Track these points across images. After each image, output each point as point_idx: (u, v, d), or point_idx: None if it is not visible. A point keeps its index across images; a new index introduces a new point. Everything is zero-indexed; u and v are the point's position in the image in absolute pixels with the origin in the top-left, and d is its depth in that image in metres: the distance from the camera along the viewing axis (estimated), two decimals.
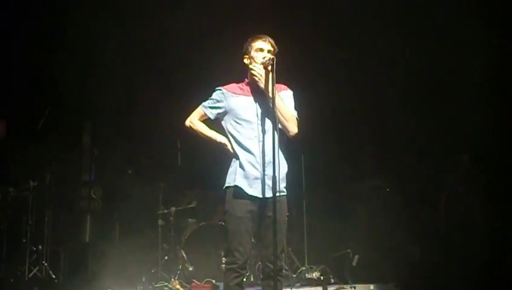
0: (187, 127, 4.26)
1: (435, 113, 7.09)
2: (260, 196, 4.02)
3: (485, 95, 6.58)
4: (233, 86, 4.22)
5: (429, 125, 7.13)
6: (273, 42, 4.16)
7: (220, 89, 4.21)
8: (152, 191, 6.72)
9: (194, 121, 4.24)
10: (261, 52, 4.11)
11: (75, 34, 6.93)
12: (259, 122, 4.11)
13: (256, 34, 4.19)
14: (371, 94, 7.27)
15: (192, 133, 4.26)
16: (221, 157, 4.20)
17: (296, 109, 4.34)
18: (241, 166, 4.08)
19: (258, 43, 4.14)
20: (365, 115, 7.31)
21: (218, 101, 4.19)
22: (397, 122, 7.22)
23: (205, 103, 4.24)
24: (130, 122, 7.22)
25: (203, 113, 4.23)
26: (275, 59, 3.94)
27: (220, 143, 4.17)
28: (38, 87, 6.90)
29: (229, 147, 4.15)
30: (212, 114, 4.21)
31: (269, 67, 3.98)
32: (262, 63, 4.06)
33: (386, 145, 7.12)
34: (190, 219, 6.64)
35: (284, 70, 3.99)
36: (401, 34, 7.00)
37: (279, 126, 4.14)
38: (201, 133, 4.22)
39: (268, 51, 4.11)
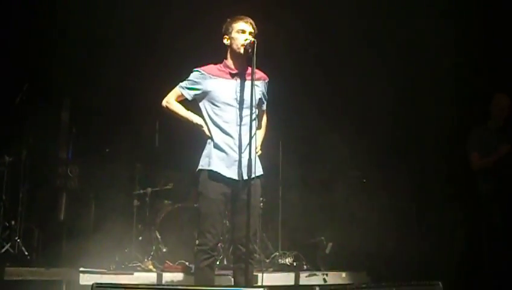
0: (163, 107, 4.24)
1: (413, 108, 7.14)
2: (236, 178, 4.03)
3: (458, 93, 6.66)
4: (211, 67, 4.20)
5: (407, 119, 7.17)
6: (254, 24, 4.14)
7: (198, 70, 4.19)
8: (129, 171, 6.70)
9: (170, 101, 4.22)
10: (243, 33, 4.08)
11: (55, 10, 6.85)
12: (238, 105, 4.10)
13: (237, 15, 4.17)
14: (351, 84, 7.29)
15: (169, 113, 4.25)
16: (199, 139, 4.21)
17: (269, 95, 4.36)
18: (218, 148, 4.08)
19: (240, 24, 4.11)
20: (345, 104, 7.33)
21: (195, 82, 4.17)
22: (376, 113, 7.26)
23: (182, 84, 4.21)
24: (110, 101, 7.17)
25: (180, 93, 4.21)
26: (256, 42, 3.94)
27: (196, 124, 4.16)
28: (17, 63, 6.81)
29: (205, 128, 4.14)
30: (189, 95, 4.18)
31: (250, 50, 3.97)
32: (243, 45, 4.05)
33: (365, 136, 7.15)
34: (166, 201, 6.63)
35: (264, 54, 4.00)
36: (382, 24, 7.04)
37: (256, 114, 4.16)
38: (177, 114, 4.21)
39: (250, 33, 4.09)
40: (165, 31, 6.96)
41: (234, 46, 4.09)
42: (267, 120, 4.46)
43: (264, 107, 4.37)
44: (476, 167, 6.02)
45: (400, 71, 7.09)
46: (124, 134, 6.96)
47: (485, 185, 6.00)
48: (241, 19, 4.14)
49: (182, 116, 4.21)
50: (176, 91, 4.23)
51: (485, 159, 5.93)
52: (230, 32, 4.13)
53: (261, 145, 4.36)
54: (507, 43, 6.45)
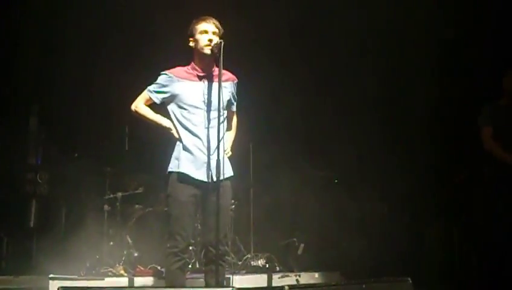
0: (132, 111, 4.25)
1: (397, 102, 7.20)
2: (206, 179, 4.03)
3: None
4: (179, 70, 4.20)
5: (382, 122, 7.23)
6: (217, 23, 4.14)
7: (165, 73, 4.18)
8: (99, 176, 6.63)
9: (139, 105, 4.22)
10: (205, 34, 4.09)
11: (24, 14, 6.78)
12: (206, 107, 4.10)
13: (200, 16, 4.18)
14: (327, 83, 7.33)
15: (138, 117, 4.25)
16: (168, 142, 4.20)
17: (238, 97, 4.37)
18: (186, 150, 4.07)
19: (202, 25, 4.12)
20: (317, 105, 7.35)
21: (163, 86, 4.17)
22: (348, 114, 7.31)
23: (150, 87, 4.21)
24: (78, 105, 7.10)
25: (148, 97, 4.20)
26: (223, 42, 3.94)
27: (165, 127, 4.16)
28: None
29: (174, 131, 4.14)
30: (157, 98, 4.18)
31: (216, 51, 3.97)
32: (207, 45, 4.05)
33: (336, 136, 7.19)
34: (137, 205, 6.58)
35: (234, 54, 4.00)
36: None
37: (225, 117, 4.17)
38: (146, 118, 4.21)
39: (213, 33, 4.09)
40: (131, 33, 6.92)
41: (199, 47, 4.10)
42: (237, 121, 4.48)
43: (234, 108, 4.39)
44: (489, 147, 5.71)
45: (383, 66, 7.12)
46: (93, 138, 6.90)
47: (489, 169, 5.77)
48: (203, 20, 4.14)
49: (150, 120, 4.21)
50: (144, 95, 4.23)
51: (503, 154, 5.62)
52: (194, 34, 4.13)
53: (231, 147, 4.37)
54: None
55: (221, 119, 4.01)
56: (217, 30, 4.12)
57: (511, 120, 5.74)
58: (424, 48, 6.78)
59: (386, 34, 7.03)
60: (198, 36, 4.11)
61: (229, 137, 4.36)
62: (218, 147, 3.95)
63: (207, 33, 4.09)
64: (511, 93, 5.81)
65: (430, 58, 6.72)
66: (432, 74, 6.72)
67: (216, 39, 4.03)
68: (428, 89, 6.76)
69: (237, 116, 4.46)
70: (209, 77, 4.15)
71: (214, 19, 4.14)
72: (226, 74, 4.18)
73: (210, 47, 4.02)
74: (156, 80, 4.21)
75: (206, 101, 4.11)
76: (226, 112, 4.18)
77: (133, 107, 4.23)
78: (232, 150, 4.36)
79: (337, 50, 7.22)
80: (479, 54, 6.53)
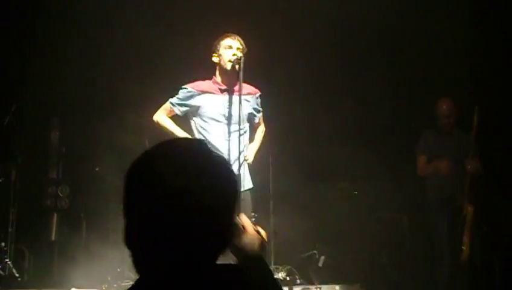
0: (154, 122, 4.33)
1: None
2: None
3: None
4: (200, 83, 4.26)
5: (399, 129, 7.21)
6: (241, 40, 4.21)
7: (185, 88, 4.25)
8: (119, 189, 6.63)
9: (161, 116, 4.30)
10: (229, 49, 4.16)
11: (42, 28, 6.86)
12: (226, 120, 4.15)
13: (225, 33, 4.25)
14: (342, 95, 7.32)
15: (159, 128, 4.32)
16: None
17: (262, 108, 4.41)
18: None
19: (227, 41, 4.19)
20: (335, 115, 7.34)
21: (185, 99, 4.23)
22: (368, 124, 7.30)
23: (173, 100, 4.27)
24: (99, 119, 7.15)
25: (171, 109, 4.27)
26: (243, 58, 3.99)
27: None
28: (4, 83, 6.80)
29: None
30: (179, 111, 4.25)
31: (237, 66, 4.02)
32: (230, 61, 4.10)
33: (355, 147, 7.17)
34: None
35: (254, 68, 4.04)
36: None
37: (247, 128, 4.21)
38: (167, 129, 4.28)
39: (237, 49, 4.16)
40: (156, 47, 6.97)
41: (222, 63, 4.15)
42: (263, 131, 4.51)
43: (257, 120, 4.42)
44: (421, 172, 6.05)
45: (395, 77, 7.13)
46: (114, 152, 6.94)
47: (430, 193, 6.05)
48: (228, 36, 4.22)
49: (171, 132, 4.27)
50: (166, 107, 4.29)
51: (428, 165, 5.95)
52: (219, 50, 4.20)
53: (254, 155, 4.38)
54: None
55: (242, 132, 4.04)
56: (241, 46, 4.18)
57: (444, 146, 5.95)
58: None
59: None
60: (222, 51, 4.18)
61: (252, 146, 4.39)
62: (238, 160, 3.98)
63: (231, 48, 4.15)
64: (441, 122, 5.98)
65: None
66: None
67: (239, 55, 4.08)
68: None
69: (265, 127, 4.50)
70: (230, 91, 4.20)
71: (238, 36, 4.21)
72: (248, 88, 4.23)
73: (232, 63, 4.08)
74: (177, 93, 4.26)
75: (226, 114, 4.15)
76: (247, 124, 4.22)
77: (156, 118, 4.31)
78: (253, 158, 4.38)
79: (360, 58, 7.23)
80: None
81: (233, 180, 1.57)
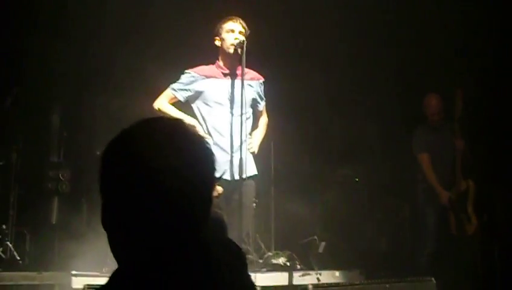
0: (156, 109, 4.26)
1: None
2: (229, 178, 4.03)
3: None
4: (203, 68, 4.22)
5: (400, 118, 7.18)
6: (244, 24, 4.17)
7: (188, 72, 4.21)
8: None
9: (163, 103, 4.25)
10: (232, 33, 4.12)
11: (44, 12, 6.82)
12: (230, 104, 4.12)
13: (227, 16, 4.20)
14: (344, 83, 7.29)
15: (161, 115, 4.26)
16: None
17: (265, 96, 4.37)
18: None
19: (229, 24, 4.15)
20: (338, 103, 7.32)
21: (187, 84, 4.20)
22: (368, 113, 7.27)
23: (174, 86, 4.23)
24: (101, 103, 7.13)
25: (173, 95, 4.23)
26: (245, 42, 3.96)
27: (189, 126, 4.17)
28: (6, 65, 6.77)
29: (199, 128, 4.15)
30: (182, 96, 4.21)
31: (239, 50, 3.99)
32: (233, 44, 4.06)
33: (357, 135, 7.15)
34: None
35: (257, 53, 4.01)
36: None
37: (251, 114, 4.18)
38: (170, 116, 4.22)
39: (240, 32, 4.12)
40: (153, 32, 6.93)
41: (224, 46, 4.12)
42: (266, 122, 4.47)
43: (261, 107, 4.40)
44: (428, 174, 6.02)
45: (398, 69, 7.10)
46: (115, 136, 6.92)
47: (421, 183, 6.13)
48: (230, 19, 4.17)
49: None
50: (168, 93, 4.25)
51: (436, 184, 5.94)
52: (221, 33, 4.16)
53: (258, 145, 4.37)
54: None
55: (245, 117, 4.02)
56: (243, 30, 4.14)
57: (438, 142, 6.01)
58: None
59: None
60: (224, 35, 4.14)
61: (256, 135, 4.37)
62: (241, 145, 3.96)
63: (233, 32, 4.12)
64: (430, 117, 6.05)
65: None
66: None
67: (242, 38, 4.04)
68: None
69: (267, 117, 4.46)
70: (233, 75, 4.18)
71: (240, 19, 4.17)
72: (252, 73, 4.20)
73: (234, 46, 4.04)
74: (179, 78, 4.22)
75: (230, 98, 4.13)
76: (251, 110, 4.20)
77: (157, 105, 4.26)
78: (257, 147, 4.36)
79: (366, 50, 7.19)
80: None
81: (212, 160, 1.55)
